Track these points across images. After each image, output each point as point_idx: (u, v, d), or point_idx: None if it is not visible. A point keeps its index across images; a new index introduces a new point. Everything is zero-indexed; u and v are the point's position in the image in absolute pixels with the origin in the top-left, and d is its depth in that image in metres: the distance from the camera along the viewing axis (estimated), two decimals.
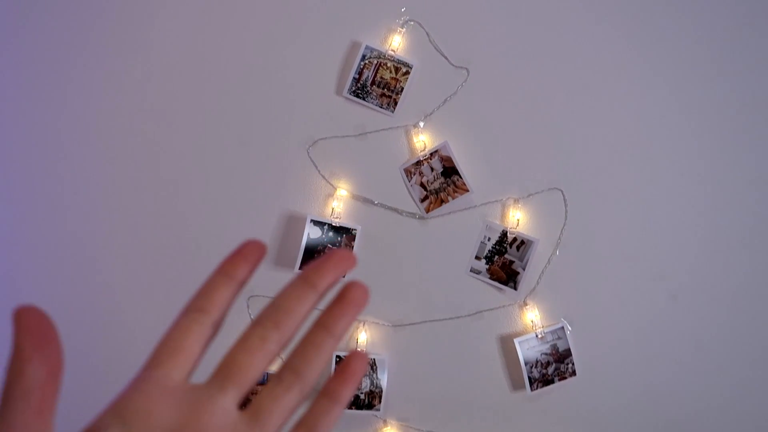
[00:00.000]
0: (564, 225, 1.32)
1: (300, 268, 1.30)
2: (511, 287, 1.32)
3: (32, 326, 0.24)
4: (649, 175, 1.32)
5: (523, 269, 1.31)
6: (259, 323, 0.30)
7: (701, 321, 1.34)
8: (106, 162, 1.34)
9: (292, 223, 1.35)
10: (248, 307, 1.35)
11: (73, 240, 1.35)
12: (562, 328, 1.31)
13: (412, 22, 1.32)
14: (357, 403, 1.32)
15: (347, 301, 0.31)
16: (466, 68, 1.32)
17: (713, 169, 1.32)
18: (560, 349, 1.31)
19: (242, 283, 0.32)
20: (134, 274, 1.35)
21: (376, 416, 1.35)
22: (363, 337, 1.34)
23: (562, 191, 1.32)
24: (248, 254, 0.32)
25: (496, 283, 1.32)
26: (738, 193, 1.32)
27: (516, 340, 1.31)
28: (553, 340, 1.32)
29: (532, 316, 1.32)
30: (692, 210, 1.33)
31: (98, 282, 1.36)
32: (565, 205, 1.32)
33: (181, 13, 1.34)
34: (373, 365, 1.33)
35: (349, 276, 0.53)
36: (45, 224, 1.34)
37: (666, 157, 1.32)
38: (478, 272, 1.33)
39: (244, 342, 0.29)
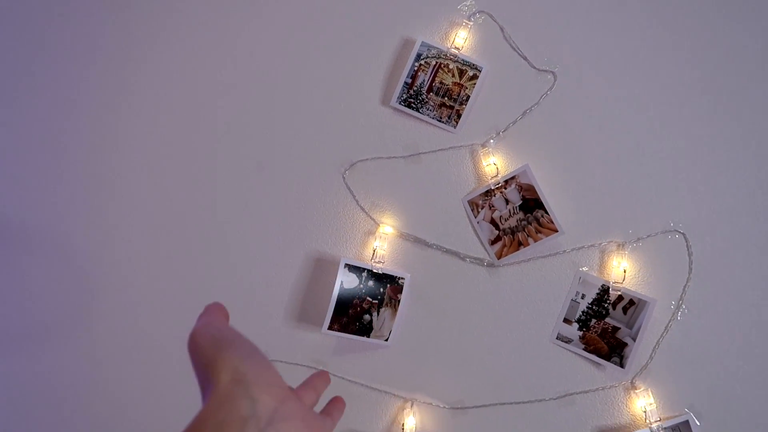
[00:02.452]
0: (688, 280, 0.97)
1: (329, 327, 0.98)
2: (615, 363, 0.96)
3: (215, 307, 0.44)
4: None
5: (634, 339, 0.95)
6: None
7: None
8: (105, 197, 1.08)
9: (322, 269, 1.04)
10: None
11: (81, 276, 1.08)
12: (687, 422, 0.95)
13: (481, 14, 1.03)
14: None
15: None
16: (552, 72, 1.01)
17: None
18: None
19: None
20: (136, 326, 1.06)
21: None
22: (411, 422, 1.00)
23: (684, 235, 0.97)
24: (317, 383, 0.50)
25: (594, 357, 0.97)
26: None
27: None
28: None
29: (643, 404, 0.96)
30: None
31: (102, 327, 1.08)
32: (689, 254, 0.97)
33: (199, 12, 1.09)
34: None
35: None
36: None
37: None
38: (569, 341, 0.98)
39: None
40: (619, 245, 0.98)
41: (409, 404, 1.02)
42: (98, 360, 1.07)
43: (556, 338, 0.99)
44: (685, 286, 0.97)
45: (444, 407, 1.01)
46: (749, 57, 0.98)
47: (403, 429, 1.00)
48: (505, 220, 0.99)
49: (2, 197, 1.09)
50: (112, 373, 1.06)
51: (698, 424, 0.95)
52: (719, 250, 0.97)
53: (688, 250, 0.97)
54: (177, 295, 1.06)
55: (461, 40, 1.01)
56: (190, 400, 1.04)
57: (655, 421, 0.95)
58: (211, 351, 0.36)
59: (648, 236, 0.98)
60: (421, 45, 1.01)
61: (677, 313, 0.97)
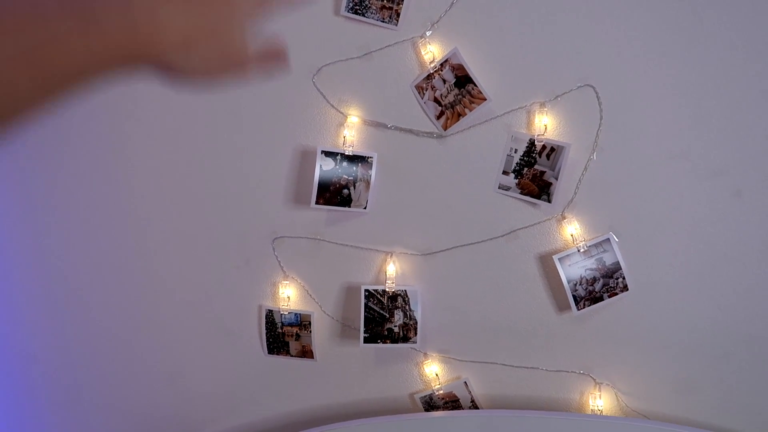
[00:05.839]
0: (600, 125, 1.17)
1: (316, 202, 1.25)
2: (544, 200, 1.20)
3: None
4: (698, 57, 1.14)
5: (556, 179, 1.18)
6: None
7: None
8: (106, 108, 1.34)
9: (306, 159, 1.29)
10: (274, 249, 1.33)
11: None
12: (608, 239, 1.18)
13: None
14: (392, 337, 1.27)
15: None
16: None
17: None
18: (607, 263, 1.19)
19: None
20: (142, 211, 1.36)
21: (415, 349, 1.30)
22: (392, 269, 1.28)
23: (594, 87, 1.17)
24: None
25: (529, 198, 1.21)
26: None
27: (555, 257, 1.19)
28: (598, 253, 1.19)
29: (572, 230, 1.20)
30: (754, 90, 1.14)
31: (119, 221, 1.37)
32: (599, 103, 1.17)
33: None
34: (405, 297, 1.27)
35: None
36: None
37: (718, 36, 1.13)
38: (508, 188, 1.22)
39: None
40: (541, 104, 1.18)
41: (389, 256, 1.29)
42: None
43: (498, 188, 1.22)
44: (597, 131, 1.17)
45: (417, 254, 1.28)
46: None
47: (386, 276, 1.28)
48: (445, 97, 1.21)
49: None
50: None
51: (617, 240, 1.19)
52: (625, 97, 1.16)
53: (598, 99, 1.17)
54: (193, 191, 1.34)
55: None
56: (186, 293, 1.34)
57: (581, 242, 1.19)
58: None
59: (564, 93, 1.18)
60: None
61: (593, 153, 1.18)
